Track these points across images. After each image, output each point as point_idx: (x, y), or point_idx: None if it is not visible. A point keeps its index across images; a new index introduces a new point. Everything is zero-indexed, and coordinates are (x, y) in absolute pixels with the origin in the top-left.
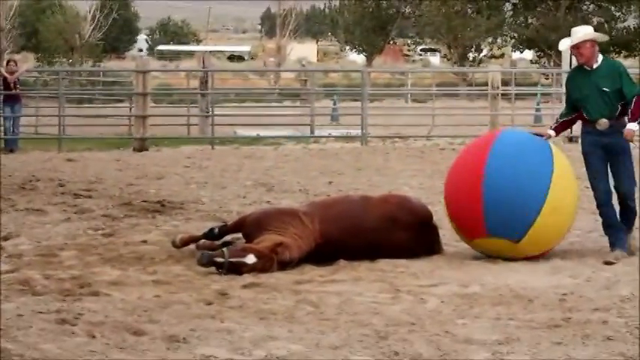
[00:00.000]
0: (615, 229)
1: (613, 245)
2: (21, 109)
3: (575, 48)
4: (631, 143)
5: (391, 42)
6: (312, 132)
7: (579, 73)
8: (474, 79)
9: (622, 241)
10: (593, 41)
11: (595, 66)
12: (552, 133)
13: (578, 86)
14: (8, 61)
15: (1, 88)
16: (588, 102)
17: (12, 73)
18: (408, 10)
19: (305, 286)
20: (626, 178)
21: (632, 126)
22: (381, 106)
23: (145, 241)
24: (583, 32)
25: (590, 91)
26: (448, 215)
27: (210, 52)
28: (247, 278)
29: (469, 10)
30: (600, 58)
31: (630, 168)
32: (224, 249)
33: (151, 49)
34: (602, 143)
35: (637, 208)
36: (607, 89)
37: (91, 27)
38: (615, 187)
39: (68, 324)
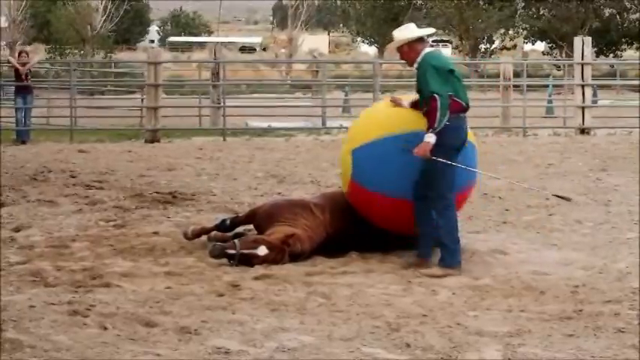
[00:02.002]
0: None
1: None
2: (33, 101)
3: (397, 51)
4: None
5: None
6: (323, 123)
7: None
8: (485, 71)
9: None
10: (409, 43)
11: (415, 66)
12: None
13: None
14: (20, 53)
15: (13, 79)
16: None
17: (24, 64)
18: (419, 1)
19: (316, 277)
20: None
21: (427, 138)
22: None
23: (156, 233)
24: (397, 38)
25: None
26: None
27: (222, 43)
28: (259, 270)
29: (481, 2)
30: (422, 54)
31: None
32: (236, 240)
33: (162, 41)
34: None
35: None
36: (420, 89)
37: (103, 18)
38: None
39: (80, 315)
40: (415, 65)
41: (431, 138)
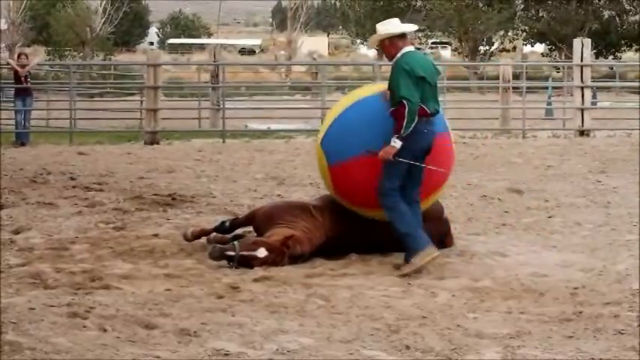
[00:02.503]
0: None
1: None
2: (32, 103)
3: (379, 45)
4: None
5: None
6: None
7: None
8: (485, 73)
9: None
10: (390, 38)
11: (392, 62)
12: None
13: None
14: (19, 55)
15: (13, 81)
16: None
17: (23, 66)
18: (419, 3)
19: (316, 279)
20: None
21: (392, 142)
22: None
23: (156, 235)
24: (379, 32)
25: None
26: None
27: (221, 45)
28: (258, 272)
29: (480, 4)
30: (402, 51)
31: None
32: (235, 242)
33: (161, 43)
34: None
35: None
36: (391, 89)
37: (102, 20)
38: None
39: (79, 317)
40: (393, 61)
41: (396, 143)
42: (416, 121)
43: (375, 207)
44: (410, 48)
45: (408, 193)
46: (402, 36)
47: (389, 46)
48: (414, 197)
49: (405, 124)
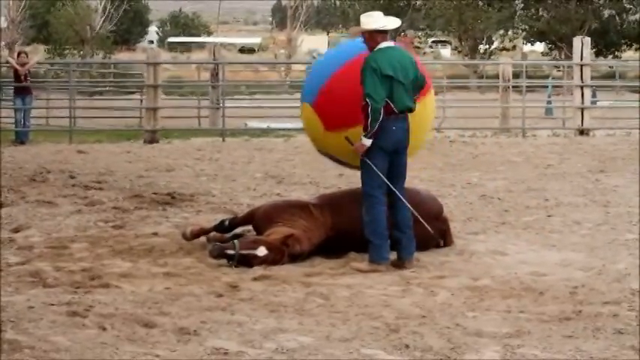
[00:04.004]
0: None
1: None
2: (32, 102)
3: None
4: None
5: (402, 34)
6: None
7: None
8: (484, 72)
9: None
10: (369, 32)
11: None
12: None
13: None
14: (19, 53)
15: (13, 80)
16: None
17: (23, 65)
18: (419, 2)
19: (315, 278)
20: None
21: (362, 140)
22: None
23: (155, 234)
24: (361, 24)
25: None
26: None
27: (221, 44)
28: (258, 270)
29: (480, 3)
30: (378, 47)
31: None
32: (235, 241)
33: (161, 41)
34: None
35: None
36: (361, 83)
37: (102, 19)
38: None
39: (79, 316)
40: None
41: (366, 141)
42: (380, 119)
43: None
44: (387, 44)
45: (398, 188)
46: (382, 31)
47: (369, 39)
48: (401, 192)
49: (369, 122)
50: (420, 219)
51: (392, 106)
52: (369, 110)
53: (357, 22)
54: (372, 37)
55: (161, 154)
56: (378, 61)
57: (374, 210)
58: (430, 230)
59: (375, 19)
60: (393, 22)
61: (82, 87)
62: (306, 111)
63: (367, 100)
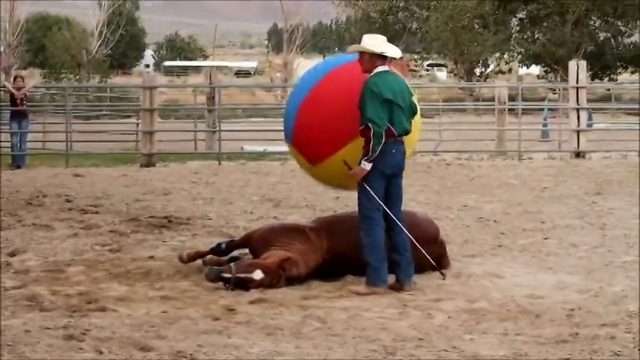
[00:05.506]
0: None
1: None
2: (28, 125)
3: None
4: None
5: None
6: None
7: None
8: (480, 94)
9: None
10: (370, 55)
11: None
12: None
13: None
14: (15, 78)
15: (9, 104)
16: None
17: (19, 89)
18: (414, 25)
19: (312, 301)
20: None
21: (362, 164)
22: None
23: (152, 257)
24: (363, 44)
25: None
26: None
27: (217, 67)
28: (254, 294)
29: (476, 26)
30: (375, 71)
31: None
32: (231, 264)
33: (157, 65)
34: None
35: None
36: (360, 108)
37: (98, 43)
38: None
39: (75, 340)
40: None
41: (366, 165)
42: (382, 143)
43: (348, 137)
44: (384, 68)
45: (396, 210)
46: (383, 56)
47: (367, 62)
48: (399, 217)
49: (372, 147)
50: (416, 243)
51: (392, 129)
52: (370, 134)
53: (353, 44)
54: (372, 60)
55: (157, 178)
56: (379, 85)
57: (373, 232)
58: (428, 256)
59: (379, 43)
60: (395, 51)
61: (78, 111)
62: (291, 150)
63: (369, 124)
